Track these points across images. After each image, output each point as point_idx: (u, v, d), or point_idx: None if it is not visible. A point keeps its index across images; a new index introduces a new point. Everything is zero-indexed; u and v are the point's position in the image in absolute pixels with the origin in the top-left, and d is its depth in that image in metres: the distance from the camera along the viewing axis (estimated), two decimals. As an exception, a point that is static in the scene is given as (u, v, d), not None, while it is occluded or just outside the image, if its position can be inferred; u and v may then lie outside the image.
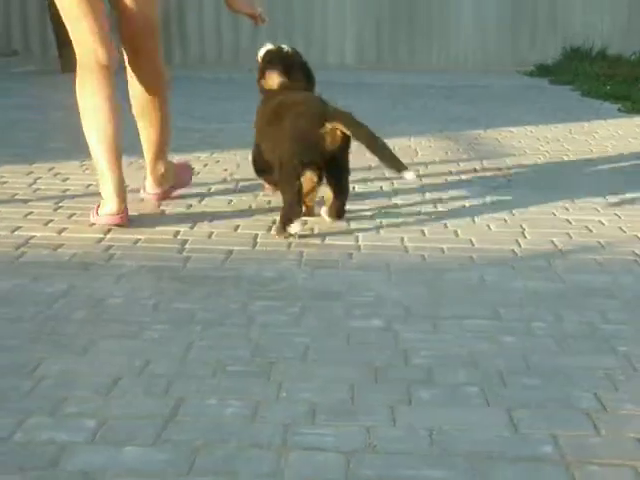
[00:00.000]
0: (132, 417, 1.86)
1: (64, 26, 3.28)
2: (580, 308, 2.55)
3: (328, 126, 3.14)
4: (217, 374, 2.07)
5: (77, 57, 3.30)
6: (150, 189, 3.70)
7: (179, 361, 2.14)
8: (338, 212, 3.33)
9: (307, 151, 3.16)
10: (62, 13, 3.27)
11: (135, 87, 3.51)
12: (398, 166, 3.14)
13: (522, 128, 5.68)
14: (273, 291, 2.65)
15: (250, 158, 3.60)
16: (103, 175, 3.29)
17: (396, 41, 10.13)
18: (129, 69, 3.50)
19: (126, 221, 3.29)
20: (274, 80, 3.49)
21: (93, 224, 3.29)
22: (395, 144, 5.00)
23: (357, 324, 2.41)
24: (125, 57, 3.48)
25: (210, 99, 6.90)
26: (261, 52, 3.57)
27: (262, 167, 3.49)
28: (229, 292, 2.64)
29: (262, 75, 3.53)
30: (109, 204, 3.29)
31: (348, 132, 3.15)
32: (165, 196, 3.71)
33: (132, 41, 3.43)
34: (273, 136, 3.29)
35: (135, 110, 3.56)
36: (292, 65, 3.51)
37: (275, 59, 3.52)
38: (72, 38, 3.30)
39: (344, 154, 3.25)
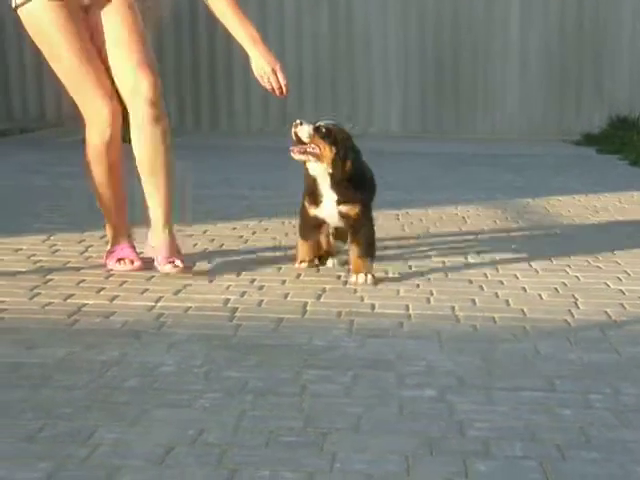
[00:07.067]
0: (186, 487, 1.85)
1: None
2: (637, 380, 2.50)
3: None
4: (270, 444, 2.06)
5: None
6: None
7: (232, 430, 2.13)
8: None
9: None
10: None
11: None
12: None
13: (570, 197, 5.66)
14: (324, 360, 2.64)
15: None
16: None
17: (441, 110, 10.20)
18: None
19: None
20: None
21: (144, 291, 3.32)
22: (443, 212, 5.02)
23: (409, 394, 2.38)
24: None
25: (257, 168, 6.96)
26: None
27: None
28: (280, 361, 2.62)
29: None
30: None
31: None
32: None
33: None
34: None
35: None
36: None
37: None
38: None
39: None
